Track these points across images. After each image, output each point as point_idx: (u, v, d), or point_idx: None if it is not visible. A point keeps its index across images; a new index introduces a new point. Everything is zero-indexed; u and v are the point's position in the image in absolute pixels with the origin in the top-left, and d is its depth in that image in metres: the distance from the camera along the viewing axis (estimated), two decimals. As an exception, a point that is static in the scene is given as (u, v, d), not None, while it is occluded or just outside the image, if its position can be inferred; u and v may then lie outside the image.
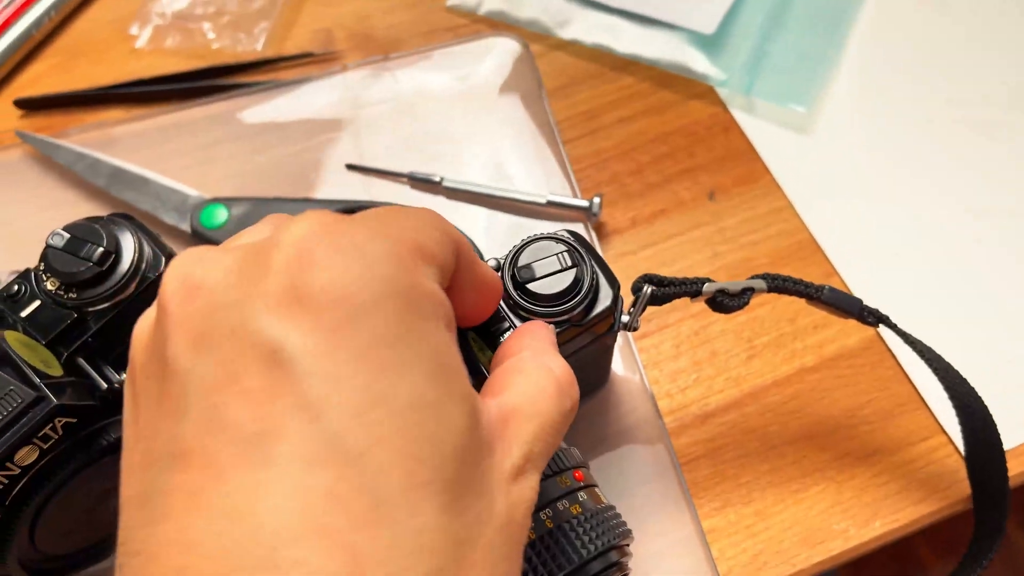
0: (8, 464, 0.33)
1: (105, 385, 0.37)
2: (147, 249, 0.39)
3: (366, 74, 0.61)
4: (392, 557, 0.20)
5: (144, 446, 0.23)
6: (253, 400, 0.21)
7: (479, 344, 0.36)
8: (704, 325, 0.50)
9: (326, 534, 0.20)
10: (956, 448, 0.46)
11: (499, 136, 0.58)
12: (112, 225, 0.39)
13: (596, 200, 0.53)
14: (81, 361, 0.37)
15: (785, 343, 0.50)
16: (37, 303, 0.37)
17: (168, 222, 0.54)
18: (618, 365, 0.49)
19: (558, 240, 0.37)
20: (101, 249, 0.37)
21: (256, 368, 0.21)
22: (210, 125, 0.59)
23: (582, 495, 0.36)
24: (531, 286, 0.36)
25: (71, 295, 0.37)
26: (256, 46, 0.63)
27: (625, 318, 0.40)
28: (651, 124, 0.59)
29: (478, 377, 0.34)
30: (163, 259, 0.39)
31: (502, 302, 0.37)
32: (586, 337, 0.39)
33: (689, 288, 0.40)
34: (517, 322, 0.37)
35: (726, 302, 0.40)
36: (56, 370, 0.35)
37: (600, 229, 0.54)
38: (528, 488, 0.25)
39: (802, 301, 0.42)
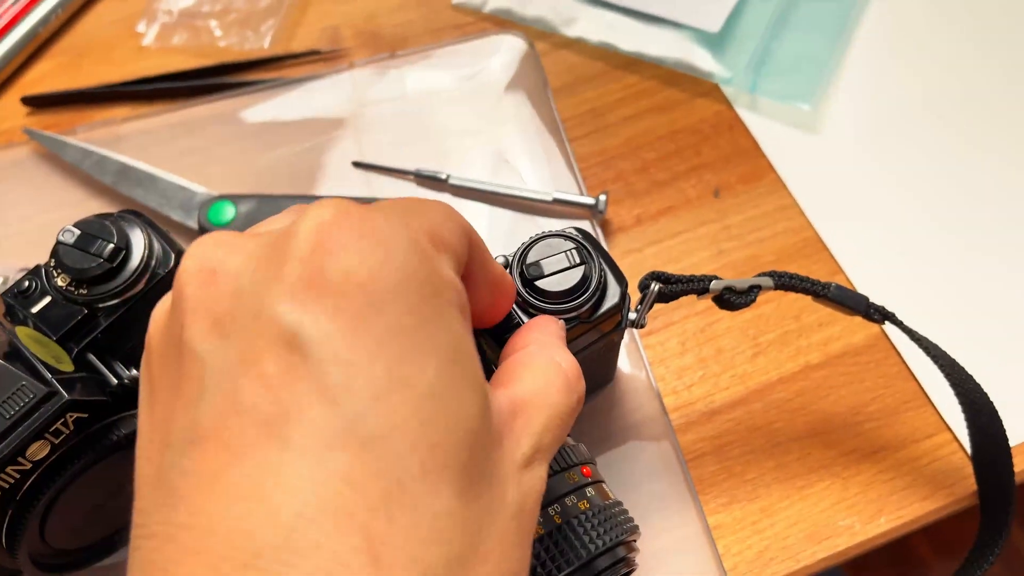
0: (20, 459, 0.33)
1: (115, 381, 0.37)
2: (157, 245, 0.39)
3: (372, 72, 0.61)
4: (409, 542, 0.20)
5: (160, 429, 0.23)
6: (271, 384, 0.21)
7: (485, 340, 0.36)
8: (710, 322, 0.51)
9: (343, 518, 0.20)
10: (961, 445, 0.47)
11: (505, 134, 0.58)
12: (122, 221, 0.39)
13: (602, 198, 0.53)
14: (91, 357, 0.37)
15: (790, 340, 0.50)
16: (48, 299, 0.37)
17: (175, 219, 0.54)
18: (624, 362, 0.49)
19: (566, 237, 0.38)
20: (111, 245, 0.37)
21: (274, 353, 0.21)
22: (217, 123, 0.59)
23: (590, 491, 0.36)
24: (539, 283, 0.36)
25: (82, 291, 0.37)
26: (263, 44, 0.63)
27: (632, 315, 0.40)
28: (657, 122, 0.59)
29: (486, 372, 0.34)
30: (172, 255, 0.39)
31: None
32: (594, 334, 0.39)
33: (696, 286, 0.40)
34: (525, 319, 0.37)
35: (733, 299, 0.40)
36: (67, 366, 0.36)
37: (606, 227, 0.54)
38: (537, 479, 0.25)
39: (807, 299, 0.42)
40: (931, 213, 0.54)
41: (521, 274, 0.37)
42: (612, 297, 0.38)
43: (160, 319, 0.25)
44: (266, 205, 0.53)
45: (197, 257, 0.24)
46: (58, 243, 0.37)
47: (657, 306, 0.40)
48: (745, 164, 0.57)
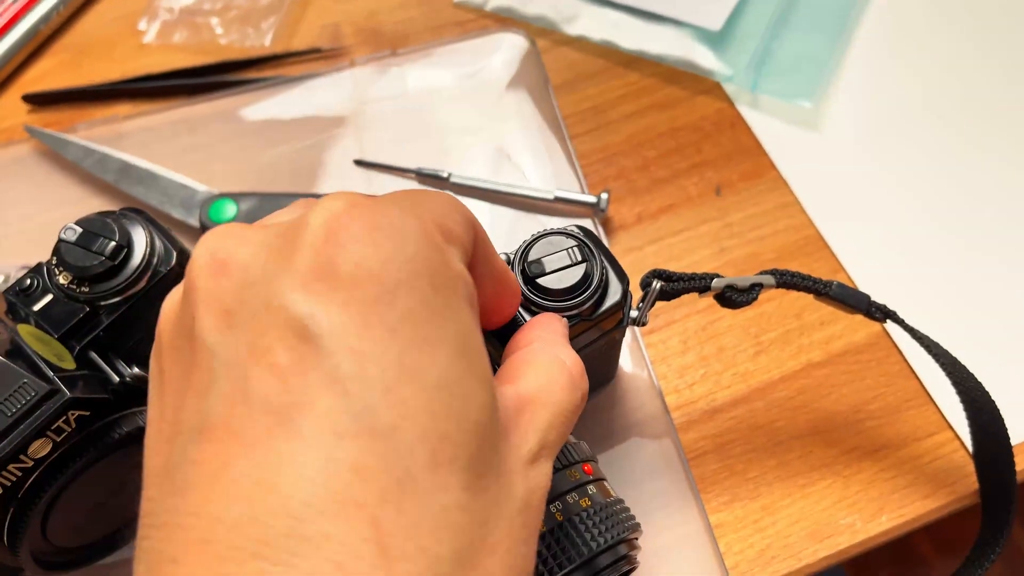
0: (22, 457, 0.33)
1: (117, 379, 0.37)
2: (159, 243, 0.39)
3: (373, 70, 0.61)
4: (417, 532, 0.20)
5: (170, 419, 0.23)
6: (281, 374, 0.21)
7: (487, 337, 0.36)
8: (711, 321, 0.51)
9: (352, 508, 0.20)
10: (963, 444, 0.47)
11: (506, 131, 0.58)
12: (124, 219, 0.39)
13: (604, 196, 0.53)
14: (93, 355, 0.37)
15: (792, 339, 0.50)
16: (49, 297, 0.37)
17: (177, 217, 0.54)
18: (626, 360, 0.49)
19: (568, 235, 0.38)
20: (113, 243, 0.37)
21: (285, 343, 0.21)
22: (218, 120, 0.59)
23: (591, 488, 0.36)
24: (541, 281, 0.36)
25: (83, 289, 0.37)
26: (264, 41, 0.63)
27: (634, 313, 0.40)
28: (658, 120, 0.59)
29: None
30: (174, 253, 0.39)
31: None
32: (595, 332, 0.39)
33: (698, 284, 0.40)
34: (527, 317, 0.37)
35: (735, 297, 0.40)
36: (69, 363, 0.36)
37: (607, 224, 0.54)
38: (543, 475, 0.26)
39: (808, 297, 0.42)
40: (932, 212, 0.54)
41: (523, 272, 0.37)
42: (614, 295, 0.38)
43: (170, 311, 0.25)
44: (267, 203, 0.53)
45: (208, 248, 0.24)
46: (60, 241, 0.37)
47: (658, 304, 0.41)
48: (746, 162, 0.57)
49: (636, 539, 0.37)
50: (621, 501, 0.37)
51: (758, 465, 0.46)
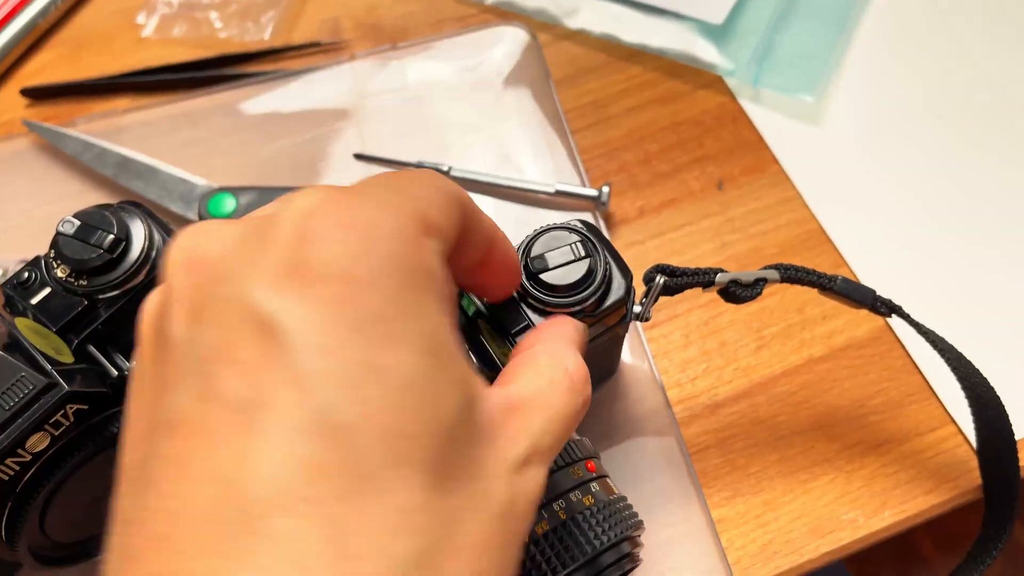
0: (20, 451, 0.33)
1: (116, 372, 0.37)
2: (157, 236, 0.39)
3: (373, 63, 0.61)
4: (377, 532, 0.20)
5: (145, 416, 0.23)
6: (246, 370, 0.21)
7: (492, 335, 0.36)
8: (713, 315, 0.50)
9: (310, 505, 0.19)
10: (966, 438, 0.46)
11: (507, 125, 0.58)
12: (122, 212, 0.39)
13: (605, 189, 0.53)
14: (91, 348, 0.37)
15: (794, 333, 0.50)
16: (47, 290, 0.37)
17: (176, 211, 0.54)
18: (628, 355, 0.49)
19: (571, 230, 0.37)
20: (112, 236, 0.37)
21: (250, 339, 0.21)
22: (217, 115, 0.59)
23: (594, 486, 0.36)
24: (544, 276, 0.36)
25: (81, 282, 0.37)
26: (263, 35, 0.63)
27: (637, 309, 0.40)
28: (660, 114, 0.59)
29: (492, 369, 0.34)
30: (173, 247, 0.39)
31: (516, 295, 0.37)
32: (598, 328, 0.39)
33: (702, 278, 0.40)
34: (530, 312, 0.37)
35: (739, 292, 0.40)
36: (67, 357, 0.35)
37: (609, 219, 0.54)
38: (532, 481, 0.25)
39: (810, 292, 0.42)
40: (935, 207, 0.54)
41: (525, 267, 0.36)
42: (617, 290, 0.37)
43: (149, 310, 0.25)
44: (267, 197, 0.53)
45: (182, 246, 0.24)
46: (58, 234, 0.37)
47: (661, 299, 0.40)
48: (748, 156, 0.57)
49: (639, 536, 0.37)
50: (624, 498, 0.37)
51: (760, 460, 0.46)
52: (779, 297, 0.51)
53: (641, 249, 0.53)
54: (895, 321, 0.41)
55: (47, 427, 0.33)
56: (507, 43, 0.61)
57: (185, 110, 0.59)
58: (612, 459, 0.45)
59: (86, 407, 0.34)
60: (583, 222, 0.38)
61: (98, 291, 0.37)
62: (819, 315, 0.50)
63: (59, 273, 0.37)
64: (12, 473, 0.33)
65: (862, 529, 0.44)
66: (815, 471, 0.46)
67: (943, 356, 0.41)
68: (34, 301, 0.37)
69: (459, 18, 0.64)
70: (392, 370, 0.21)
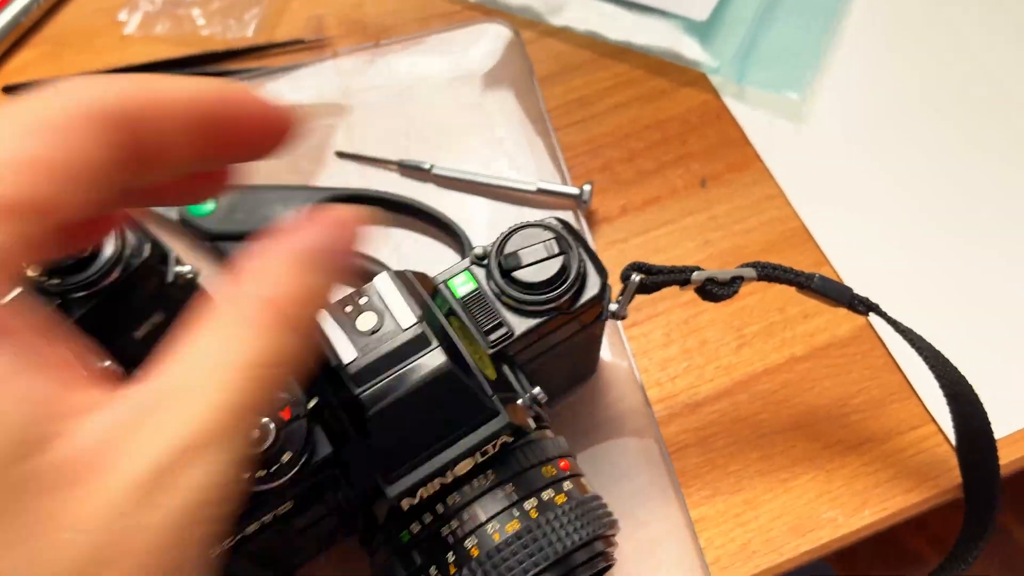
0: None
1: (88, 373, 0.36)
2: (130, 235, 0.39)
3: (357, 61, 0.60)
4: None
5: None
6: None
7: (464, 334, 0.36)
8: (694, 314, 0.50)
9: None
10: (946, 437, 0.46)
11: (490, 123, 0.57)
12: (96, 211, 0.39)
13: (586, 188, 0.52)
14: (64, 349, 0.37)
15: (775, 332, 0.50)
16: (18, 290, 0.37)
17: (155, 210, 0.53)
18: (607, 353, 0.48)
19: (546, 227, 0.37)
20: (84, 236, 0.36)
21: None
22: (200, 112, 0.59)
23: (567, 484, 0.35)
24: (517, 274, 0.36)
25: (54, 282, 0.36)
26: (246, 33, 0.63)
27: (613, 307, 0.39)
28: (644, 111, 0.59)
29: (466, 372, 0.33)
30: (148, 244, 0.39)
31: (490, 293, 0.37)
32: (574, 326, 0.39)
33: (678, 276, 0.40)
34: (505, 311, 0.36)
35: (715, 290, 0.40)
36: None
37: (591, 217, 0.54)
38: (163, 507, 0.20)
39: (791, 290, 0.41)
40: (917, 205, 0.54)
41: (499, 265, 0.36)
42: (592, 288, 0.37)
43: None
44: (247, 196, 0.53)
45: None
46: (30, 233, 0.37)
47: (641, 297, 0.40)
48: (732, 154, 0.56)
49: (613, 536, 0.36)
50: (598, 497, 0.37)
51: (740, 459, 0.46)
52: (760, 296, 0.50)
53: (623, 247, 0.53)
54: (876, 320, 0.41)
55: None
56: (490, 40, 0.60)
57: (168, 108, 0.59)
58: (591, 458, 0.45)
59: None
60: (559, 219, 0.38)
61: (71, 290, 0.37)
62: (800, 314, 0.50)
63: (31, 272, 0.36)
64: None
65: (842, 528, 0.44)
66: (795, 470, 0.46)
67: (921, 354, 0.41)
68: (4, 302, 0.36)
69: (444, 15, 0.64)
70: None
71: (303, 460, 0.33)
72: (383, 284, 0.34)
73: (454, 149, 0.56)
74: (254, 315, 0.22)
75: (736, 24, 0.61)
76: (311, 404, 0.34)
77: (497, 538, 0.33)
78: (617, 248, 0.53)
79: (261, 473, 0.32)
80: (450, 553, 0.33)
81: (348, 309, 0.33)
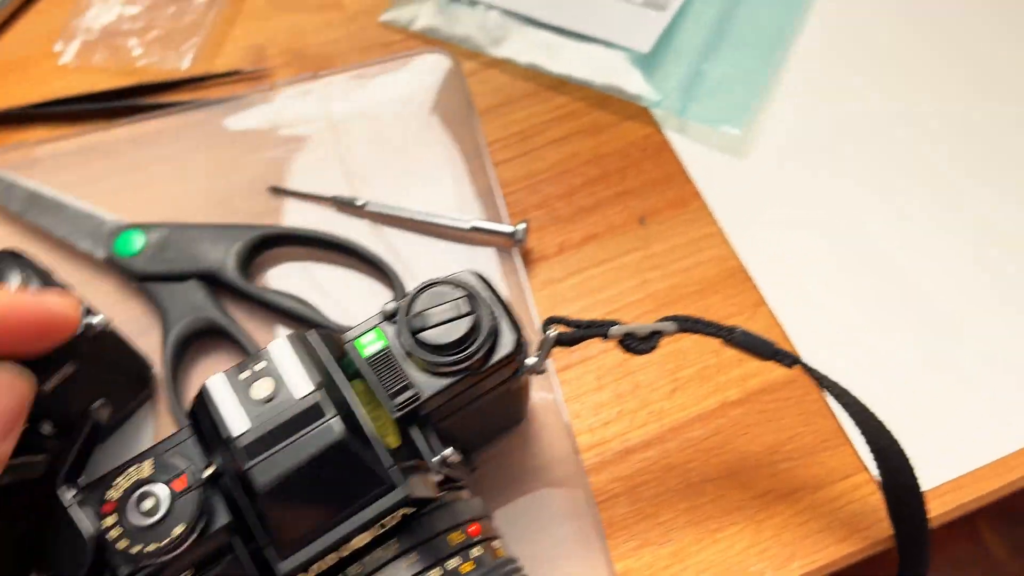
0: None
1: None
2: (33, 287, 0.38)
3: (294, 92, 0.59)
4: None
5: None
6: None
7: (368, 397, 0.35)
8: (627, 357, 0.49)
9: None
10: (879, 486, 0.45)
11: (427, 156, 0.56)
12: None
13: (521, 227, 0.52)
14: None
15: (709, 376, 0.49)
16: None
17: (83, 249, 0.52)
18: (540, 396, 0.48)
19: (456, 285, 0.36)
20: (-20, 292, 0.36)
21: None
22: (135, 146, 0.58)
23: (476, 551, 0.35)
24: (424, 335, 0.35)
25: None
26: (181, 64, 0.62)
27: (532, 360, 0.39)
28: (584, 145, 0.58)
29: (357, 435, 0.32)
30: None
31: (400, 351, 0.36)
32: (492, 381, 0.38)
33: (597, 331, 0.39)
34: (416, 375, 0.36)
35: (634, 346, 0.39)
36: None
37: (527, 255, 0.53)
38: None
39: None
40: (856, 243, 0.53)
41: (408, 325, 0.35)
42: (505, 346, 0.36)
43: None
44: (177, 234, 0.52)
45: None
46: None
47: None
48: (672, 190, 0.56)
49: (526, 600, 0.36)
50: (512, 560, 0.36)
51: (670, 508, 0.45)
52: (695, 339, 0.49)
53: (558, 288, 0.52)
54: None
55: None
56: (429, 71, 0.60)
57: (102, 141, 0.58)
58: (516, 509, 0.44)
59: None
60: (475, 273, 0.38)
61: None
62: (735, 357, 0.49)
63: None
64: None
65: (770, 581, 0.44)
66: (724, 520, 0.45)
67: (847, 408, 0.41)
68: None
69: (385, 44, 0.63)
70: None
71: (199, 530, 0.32)
72: (279, 349, 0.33)
73: (391, 183, 0.55)
74: None
75: (680, 56, 0.60)
76: (207, 472, 0.33)
77: None
78: (551, 288, 0.52)
79: (153, 546, 0.31)
80: (350, 626, 0.32)
81: (244, 376, 0.33)
